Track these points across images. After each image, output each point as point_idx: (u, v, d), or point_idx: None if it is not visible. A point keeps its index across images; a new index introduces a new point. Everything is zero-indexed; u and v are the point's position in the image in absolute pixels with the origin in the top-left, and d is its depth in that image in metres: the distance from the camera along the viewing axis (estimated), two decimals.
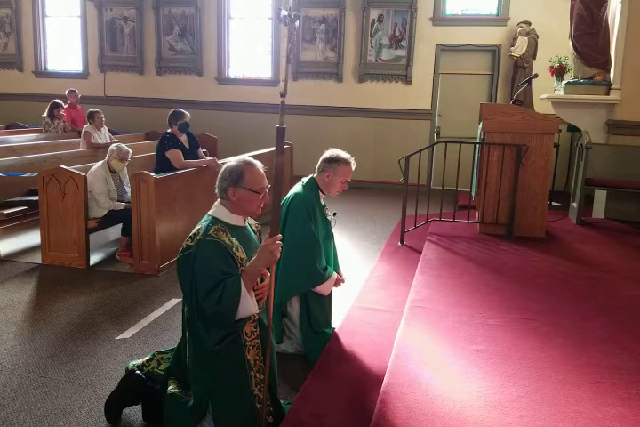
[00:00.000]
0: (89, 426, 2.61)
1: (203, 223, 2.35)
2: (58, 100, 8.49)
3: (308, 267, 3.25)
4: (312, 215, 3.29)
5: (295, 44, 9.05)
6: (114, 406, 2.65)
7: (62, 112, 8.52)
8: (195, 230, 2.33)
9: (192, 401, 2.37)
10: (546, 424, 2.34)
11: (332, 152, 3.39)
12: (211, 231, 2.27)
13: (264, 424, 2.39)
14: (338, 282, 3.45)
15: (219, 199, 2.41)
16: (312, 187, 3.38)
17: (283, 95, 2.47)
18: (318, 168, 3.39)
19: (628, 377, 2.75)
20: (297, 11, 9.38)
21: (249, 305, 2.24)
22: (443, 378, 2.73)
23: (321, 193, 3.41)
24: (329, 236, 3.47)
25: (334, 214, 3.54)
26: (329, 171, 3.34)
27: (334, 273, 3.43)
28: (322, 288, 3.33)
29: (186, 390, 2.46)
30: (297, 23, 2.44)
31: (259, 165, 2.40)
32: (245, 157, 2.45)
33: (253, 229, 2.55)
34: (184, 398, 2.40)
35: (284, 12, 2.39)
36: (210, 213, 2.40)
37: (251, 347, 2.37)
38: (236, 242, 2.32)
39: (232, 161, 2.41)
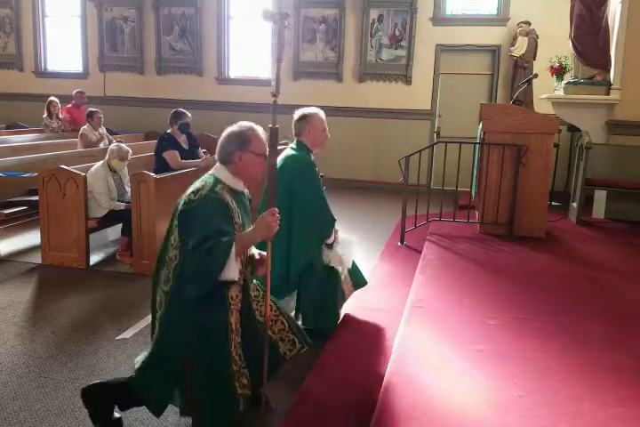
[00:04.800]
0: (89, 426, 2.60)
1: (206, 180, 2.35)
2: (51, 98, 8.56)
3: (327, 217, 3.46)
4: (314, 172, 3.45)
5: (290, 43, 9.05)
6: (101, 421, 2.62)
7: (58, 107, 8.61)
8: (197, 186, 2.33)
9: (164, 367, 2.36)
10: (546, 424, 2.34)
11: (298, 112, 3.50)
12: (217, 188, 2.30)
13: (240, 388, 2.39)
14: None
15: (218, 163, 2.42)
16: (303, 148, 3.48)
17: (275, 95, 2.49)
18: (295, 131, 3.50)
19: (628, 377, 2.75)
20: (297, 11, 9.38)
21: (233, 270, 2.25)
22: (443, 378, 2.73)
23: (311, 153, 3.51)
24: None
25: (321, 176, 3.66)
26: (306, 127, 3.45)
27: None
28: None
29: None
30: (286, 22, 2.45)
31: (261, 130, 2.44)
32: (245, 122, 2.46)
33: (249, 198, 2.57)
34: (153, 366, 2.40)
35: (272, 10, 2.39)
36: (212, 172, 2.40)
37: (234, 311, 2.38)
38: (236, 205, 2.35)
39: (234, 126, 2.42)
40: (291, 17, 2.52)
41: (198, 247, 2.20)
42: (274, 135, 2.46)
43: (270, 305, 2.59)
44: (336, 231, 3.58)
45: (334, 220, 3.53)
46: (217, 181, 2.35)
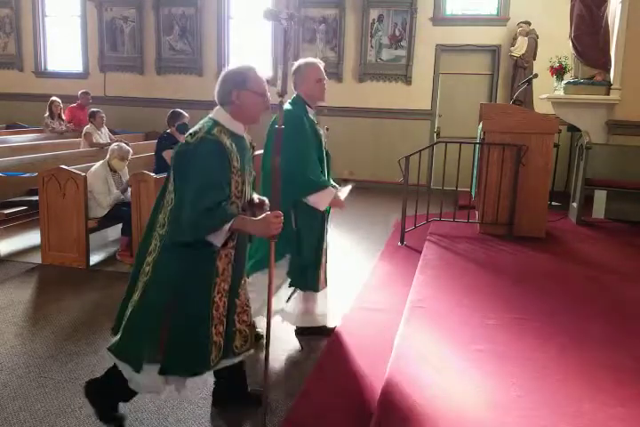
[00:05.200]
0: (89, 426, 2.61)
1: (204, 123, 2.31)
2: (53, 98, 8.59)
3: (302, 174, 3.14)
4: (301, 127, 3.23)
5: (292, 42, 9.06)
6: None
7: (60, 107, 8.65)
8: (195, 129, 2.30)
9: (149, 315, 2.34)
10: (546, 424, 2.34)
11: (295, 64, 3.35)
12: (214, 131, 2.26)
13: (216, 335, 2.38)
14: (336, 203, 3.34)
15: (218, 106, 2.38)
16: (297, 102, 3.34)
17: (281, 95, 2.46)
18: (294, 85, 3.34)
19: (628, 377, 2.75)
20: (297, 11, 9.38)
21: (220, 239, 2.24)
22: (443, 378, 2.73)
23: (309, 108, 3.35)
24: (322, 151, 3.38)
25: (327, 129, 3.49)
26: (300, 79, 3.30)
27: (331, 189, 3.25)
28: (316, 199, 3.20)
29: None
30: (292, 22, 2.44)
31: (259, 69, 2.39)
32: (243, 63, 2.42)
33: (252, 144, 2.53)
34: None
35: (279, 11, 2.38)
36: (210, 116, 2.37)
37: (223, 255, 2.36)
38: (234, 148, 2.30)
39: (231, 66, 2.39)
40: (295, 16, 2.49)
41: (197, 202, 2.16)
42: (280, 136, 2.43)
43: (225, 302, 2.50)
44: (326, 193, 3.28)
45: (313, 181, 3.18)
46: (215, 123, 2.30)
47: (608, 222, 6.25)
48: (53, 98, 8.64)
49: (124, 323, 2.42)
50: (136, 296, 2.39)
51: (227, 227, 2.21)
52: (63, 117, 8.78)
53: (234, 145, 2.30)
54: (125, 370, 2.39)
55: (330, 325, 3.64)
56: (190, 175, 2.21)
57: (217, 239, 2.25)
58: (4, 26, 10.91)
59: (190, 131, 2.31)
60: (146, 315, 2.35)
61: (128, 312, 2.41)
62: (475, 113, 7.05)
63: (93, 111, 7.59)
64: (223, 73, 2.37)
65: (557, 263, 4.73)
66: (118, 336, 2.43)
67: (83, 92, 8.96)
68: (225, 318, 2.43)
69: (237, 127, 2.37)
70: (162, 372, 2.34)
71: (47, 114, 8.63)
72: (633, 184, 6.05)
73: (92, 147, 7.30)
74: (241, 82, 2.32)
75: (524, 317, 3.51)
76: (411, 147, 6.90)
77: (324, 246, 3.48)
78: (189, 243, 2.26)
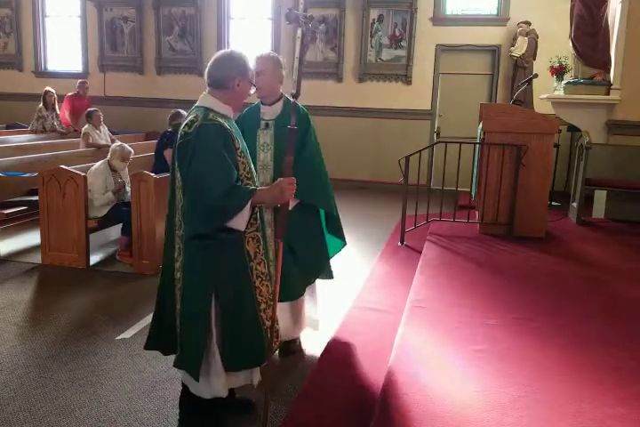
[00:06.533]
0: (89, 426, 2.61)
1: (196, 113, 2.30)
2: (47, 88, 8.59)
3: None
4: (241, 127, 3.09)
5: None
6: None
7: (54, 97, 8.60)
8: (191, 118, 2.28)
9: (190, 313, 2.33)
10: (546, 424, 2.34)
11: None
12: (210, 117, 2.26)
13: (267, 320, 2.38)
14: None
15: (207, 91, 2.37)
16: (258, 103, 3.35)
17: (295, 96, 2.46)
18: None
19: (628, 377, 2.75)
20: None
21: (242, 220, 2.23)
22: (443, 378, 2.72)
23: (263, 105, 3.33)
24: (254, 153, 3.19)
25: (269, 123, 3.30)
26: None
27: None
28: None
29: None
30: (310, 25, 2.44)
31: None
32: (235, 49, 2.44)
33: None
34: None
35: (297, 13, 2.38)
36: (198, 104, 2.36)
37: (250, 239, 2.35)
38: (232, 129, 2.31)
39: (227, 51, 2.40)
40: (313, 19, 2.49)
41: (212, 186, 2.15)
42: (292, 136, 2.41)
43: (268, 286, 2.45)
44: None
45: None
46: (207, 110, 2.30)
47: (608, 222, 6.24)
48: (47, 88, 8.56)
49: (178, 336, 2.40)
50: (178, 306, 2.39)
51: (248, 206, 2.19)
52: (57, 110, 8.69)
53: (231, 127, 2.31)
54: (188, 380, 2.41)
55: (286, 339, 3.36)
56: (198, 162, 2.19)
57: (240, 222, 2.22)
58: (3, 26, 10.91)
59: (185, 122, 2.30)
60: (193, 321, 2.33)
61: (177, 323, 2.40)
62: (475, 113, 7.05)
63: (90, 111, 7.55)
64: (222, 57, 2.36)
65: (557, 263, 4.73)
66: (178, 351, 2.42)
67: (80, 82, 8.92)
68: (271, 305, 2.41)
69: (228, 110, 2.38)
70: (226, 369, 2.35)
71: (41, 105, 8.56)
72: (633, 184, 6.05)
73: (88, 147, 7.27)
74: (244, 71, 2.35)
75: (524, 317, 3.51)
76: (411, 147, 6.90)
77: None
78: (208, 235, 2.22)
